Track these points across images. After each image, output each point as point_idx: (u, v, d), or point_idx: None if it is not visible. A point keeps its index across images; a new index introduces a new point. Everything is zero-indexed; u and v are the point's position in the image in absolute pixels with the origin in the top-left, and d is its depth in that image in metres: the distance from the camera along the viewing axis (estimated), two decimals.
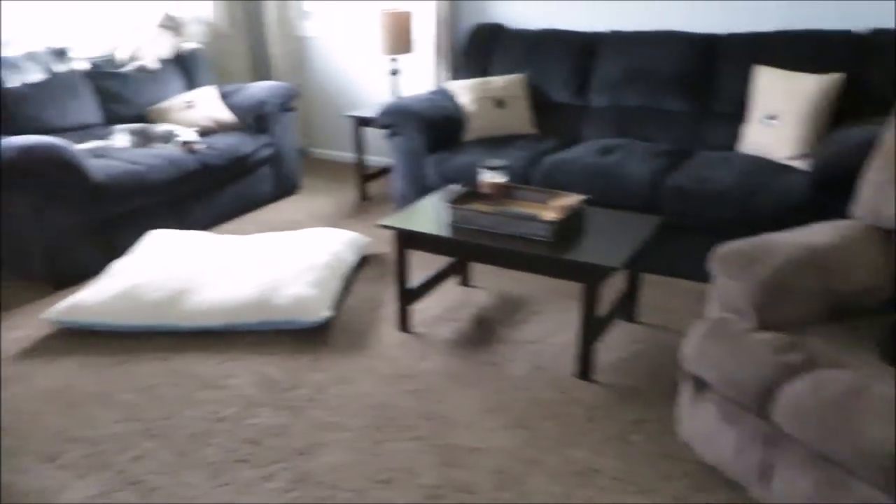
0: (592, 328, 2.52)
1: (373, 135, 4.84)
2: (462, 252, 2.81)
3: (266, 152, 4.39)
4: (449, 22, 4.60)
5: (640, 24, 4.02)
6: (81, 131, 3.96)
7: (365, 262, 3.62)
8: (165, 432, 2.32)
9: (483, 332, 2.94)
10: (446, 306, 3.16)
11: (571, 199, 2.74)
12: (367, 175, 4.65)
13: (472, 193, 2.88)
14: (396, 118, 3.92)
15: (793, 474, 1.68)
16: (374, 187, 4.78)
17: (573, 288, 3.10)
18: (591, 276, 2.42)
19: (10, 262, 3.48)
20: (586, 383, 2.56)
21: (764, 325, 1.82)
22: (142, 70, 4.36)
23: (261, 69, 5.44)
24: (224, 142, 4.14)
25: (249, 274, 3.10)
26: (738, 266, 1.85)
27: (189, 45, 4.72)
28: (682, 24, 3.89)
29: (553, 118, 4.11)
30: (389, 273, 3.47)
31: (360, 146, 4.58)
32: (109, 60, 4.33)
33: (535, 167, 3.55)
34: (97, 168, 3.42)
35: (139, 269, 3.15)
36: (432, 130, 3.88)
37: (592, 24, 4.17)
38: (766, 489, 1.76)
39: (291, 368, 2.68)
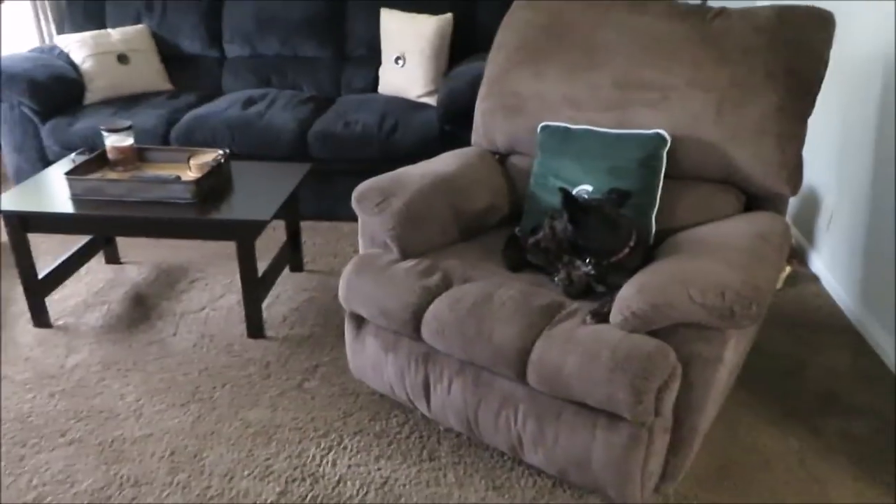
0: (255, 285, 2.45)
1: None
2: (94, 228, 2.51)
3: None
4: None
5: None
6: None
7: None
8: None
9: (141, 311, 2.69)
10: (93, 290, 2.83)
11: (212, 155, 2.59)
12: None
13: (100, 161, 2.56)
14: None
15: (447, 384, 1.83)
16: None
17: (234, 247, 2.98)
18: (242, 233, 2.34)
19: None
20: (259, 341, 2.50)
21: (405, 255, 1.94)
22: None
23: None
24: None
25: None
26: (373, 202, 1.92)
27: None
28: None
29: (188, 72, 3.85)
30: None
31: None
32: None
33: (173, 126, 3.30)
34: None
35: None
36: (44, 94, 3.36)
37: None
38: (429, 403, 1.91)
39: None
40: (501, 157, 2.37)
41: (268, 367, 2.36)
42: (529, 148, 2.21)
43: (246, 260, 2.38)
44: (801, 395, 2.22)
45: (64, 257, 2.67)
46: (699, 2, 3.39)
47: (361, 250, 2.10)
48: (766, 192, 1.96)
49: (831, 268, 2.84)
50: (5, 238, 2.72)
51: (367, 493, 1.84)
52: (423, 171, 2.09)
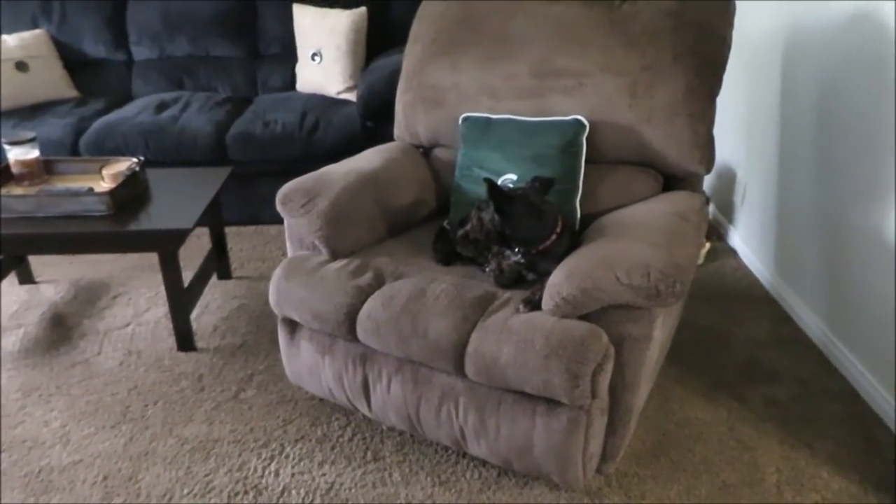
0: (182, 296, 2.37)
1: None
2: (2, 247, 2.36)
3: None
4: None
5: None
6: None
7: None
8: None
9: (61, 331, 2.57)
10: (7, 313, 2.68)
11: (126, 164, 2.49)
12: None
13: (4, 176, 2.43)
14: None
15: (386, 383, 1.82)
16: None
17: (156, 259, 2.88)
18: (164, 243, 2.26)
19: None
20: (190, 354, 2.43)
21: (335, 255, 1.91)
22: None
23: None
24: None
25: None
26: (298, 204, 1.88)
27: None
28: None
29: (94, 77, 3.68)
30: None
31: None
32: None
33: (81, 135, 3.15)
34: None
35: None
36: None
37: None
38: (370, 404, 1.90)
39: None
40: (425, 151, 2.36)
41: (201, 380, 2.29)
42: (452, 140, 2.22)
43: (170, 271, 2.30)
44: (727, 366, 2.31)
45: None
46: None
47: (290, 253, 2.06)
48: (682, 172, 2.02)
49: (748, 241, 2.97)
50: None
51: (312, 499, 1.81)
52: (347, 168, 2.06)
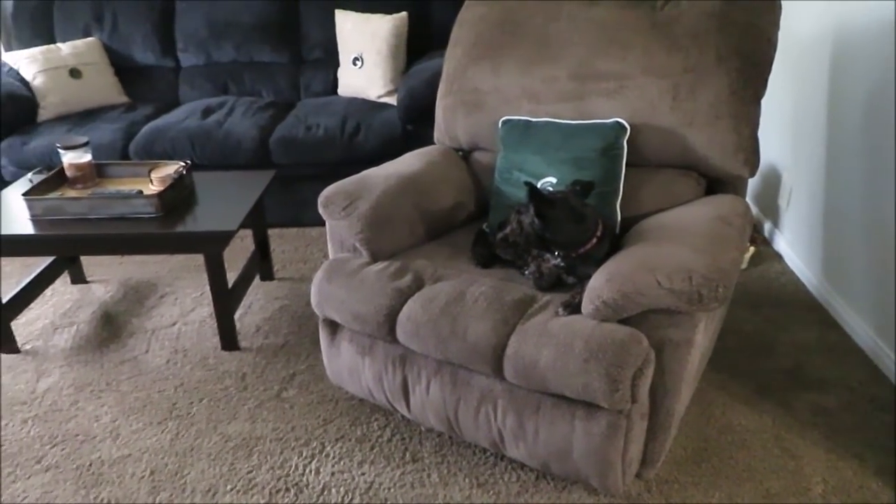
0: (226, 297, 2.42)
1: None
2: (56, 248, 2.46)
3: None
4: None
5: None
6: None
7: None
8: None
9: (111, 330, 2.65)
10: (60, 311, 2.78)
11: (174, 168, 2.56)
12: None
13: (58, 179, 2.51)
14: None
15: (425, 385, 1.84)
16: None
17: (201, 260, 2.95)
18: (210, 245, 2.31)
19: None
20: (233, 353, 2.48)
21: (375, 257, 1.94)
22: None
23: None
24: None
25: None
26: (340, 206, 1.91)
27: None
28: None
29: (143, 83, 3.79)
30: None
31: None
32: None
33: (131, 139, 3.25)
34: None
35: None
36: None
37: None
38: (409, 405, 1.91)
39: None
40: (465, 154, 2.37)
41: (244, 379, 2.34)
42: (492, 143, 2.22)
43: (215, 271, 2.35)
44: (772, 373, 2.27)
45: (27, 280, 2.61)
46: None
47: (331, 255, 2.09)
48: (725, 175, 1.99)
49: (793, 245, 2.91)
50: None
51: (352, 498, 1.84)
52: (387, 172, 2.08)
